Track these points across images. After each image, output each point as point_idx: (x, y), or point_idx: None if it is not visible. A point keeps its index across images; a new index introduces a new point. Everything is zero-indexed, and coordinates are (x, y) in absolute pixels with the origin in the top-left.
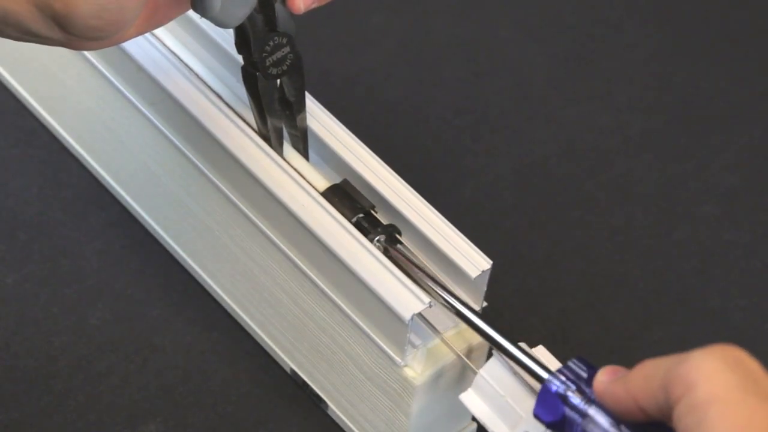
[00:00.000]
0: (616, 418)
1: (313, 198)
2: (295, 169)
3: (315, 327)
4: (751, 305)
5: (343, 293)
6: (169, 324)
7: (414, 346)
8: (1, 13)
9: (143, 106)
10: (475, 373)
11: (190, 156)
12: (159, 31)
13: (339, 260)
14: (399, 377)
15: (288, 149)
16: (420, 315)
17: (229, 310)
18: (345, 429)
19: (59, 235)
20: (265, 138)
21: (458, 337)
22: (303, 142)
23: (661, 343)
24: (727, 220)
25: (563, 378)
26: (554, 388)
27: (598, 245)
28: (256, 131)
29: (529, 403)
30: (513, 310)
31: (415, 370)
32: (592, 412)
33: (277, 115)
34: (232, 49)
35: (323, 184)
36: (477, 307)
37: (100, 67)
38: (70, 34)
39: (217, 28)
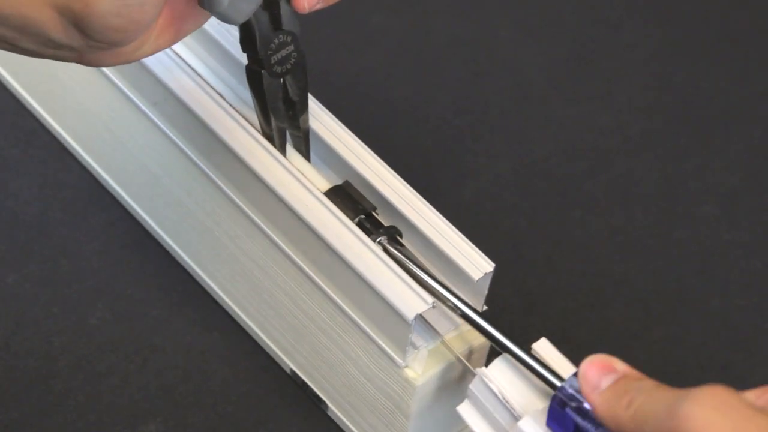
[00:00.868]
0: None
1: (317, 198)
2: (298, 170)
3: (315, 328)
4: (751, 305)
5: (344, 293)
6: (169, 324)
7: (415, 347)
8: (20, 22)
9: (145, 106)
10: (474, 376)
11: (192, 156)
12: None
13: (342, 260)
14: (399, 378)
15: (290, 150)
16: (422, 316)
17: (228, 311)
18: (345, 430)
19: (59, 235)
20: (269, 138)
21: (459, 339)
22: (305, 143)
23: (661, 343)
24: (727, 220)
25: (572, 391)
26: (565, 398)
27: (598, 245)
28: (259, 132)
29: (533, 408)
30: (513, 310)
31: (416, 371)
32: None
33: (280, 115)
34: (234, 51)
35: (325, 185)
36: (478, 309)
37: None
38: (89, 37)
39: (220, 29)
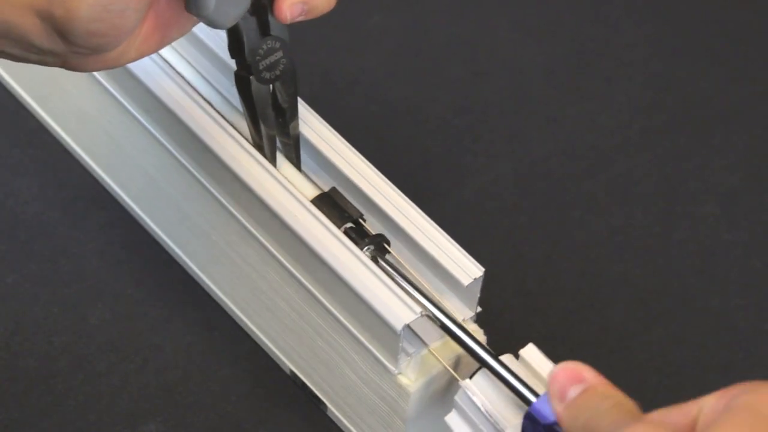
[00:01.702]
0: None
1: (305, 207)
2: (286, 178)
3: (312, 332)
4: (751, 305)
5: (336, 301)
6: (169, 324)
7: (408, 354)
8: (4, 27)
9: (139, 114)
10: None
11: (185, 163)
12: None
13: (330, 269)
14: (394, 384)
15: (280, 158)
16: (409, 326)
17: (228, 311)
18: (344, 431)
19: (59, 235)
20: (259, 147)
21: (447, 346)
22: (295, 150)
23: (661, 343)
24: (727, 220)
25: (543, 409)
26: (537, 415)
27: (598, 245)
28: (249, 140)
29: (516, 420)
30: (513, 310)
31: (409, 377)
32: None
33: (270, 122)
34: (225, 55)
35: (314, 192)
36: (471, 314)
37: (97, 74)
38: (71, 43)
39: (210, 32)
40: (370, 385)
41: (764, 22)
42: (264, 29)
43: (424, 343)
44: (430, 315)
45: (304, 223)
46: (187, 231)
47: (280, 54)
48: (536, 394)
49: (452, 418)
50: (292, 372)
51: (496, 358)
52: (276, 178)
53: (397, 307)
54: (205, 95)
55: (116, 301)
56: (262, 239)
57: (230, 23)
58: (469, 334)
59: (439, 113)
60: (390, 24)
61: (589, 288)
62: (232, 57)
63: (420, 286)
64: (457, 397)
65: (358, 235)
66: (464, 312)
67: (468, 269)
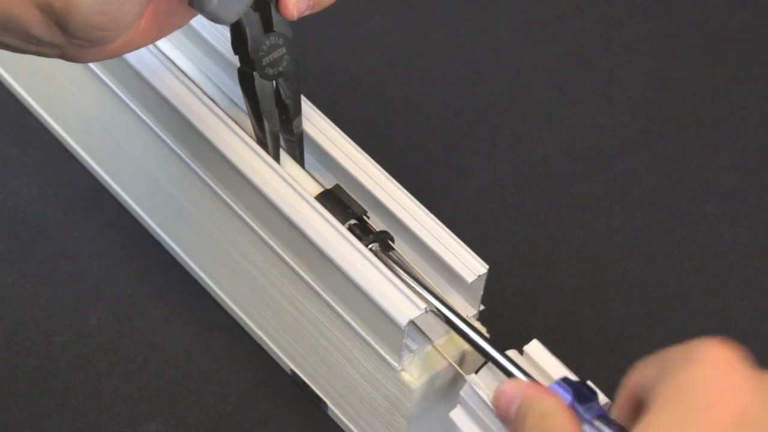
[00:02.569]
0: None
1: (309, 203)
2: (290, 175)
3: (314, 330)
4: (751, 305)
5: (339, 298)
6: (169, 324)
7: (411, 350)
8: (4, 18)
9: (141, 111)
10: (465, 381)
11: (188, 161)
12: None
13: (335, 266)
14: (397, 381)
15: (283, 155)
16: (414, 322)
17: (228, 311)
18: (345, 430)
19: (59, 235)
20: (262, 144)
21: (451, 342)
22: (299, 147)
23: (661, 343)
24: (727, 220)
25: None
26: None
27: (598, 245)
28: (252, 137)
29: None
30: (513, 310)
31: (413, 374)
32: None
33: (273, 118)
34: (228, 53)
35: (317, 189)
36: (474, 311)
37: (97, 71)
38: (70, 35)
39: (212, 29)
40: (372, 383)
41: (764, 22)
42: (267, 25)
43: (429, 339)
44: (435, 311)
45: (308, 219)
46: (188, 230)
47: (283, 50)
48: None
49: (457, 414)
50: (292, 371)
51: (502, 353)
52: (280, 175)
53: (401, 303)
54: (208, 92)
55: (116, 301)
56: (265, 236)
57: (233, 19)
58: (475, 329)
59: (439, 113)
60: (391, 24)
61: (589, 288)
62: (236, 53)
63: (425, 282)
64: (462, 393)
65: (362, 231)
66: (467, 309)
67: (472, 266)
